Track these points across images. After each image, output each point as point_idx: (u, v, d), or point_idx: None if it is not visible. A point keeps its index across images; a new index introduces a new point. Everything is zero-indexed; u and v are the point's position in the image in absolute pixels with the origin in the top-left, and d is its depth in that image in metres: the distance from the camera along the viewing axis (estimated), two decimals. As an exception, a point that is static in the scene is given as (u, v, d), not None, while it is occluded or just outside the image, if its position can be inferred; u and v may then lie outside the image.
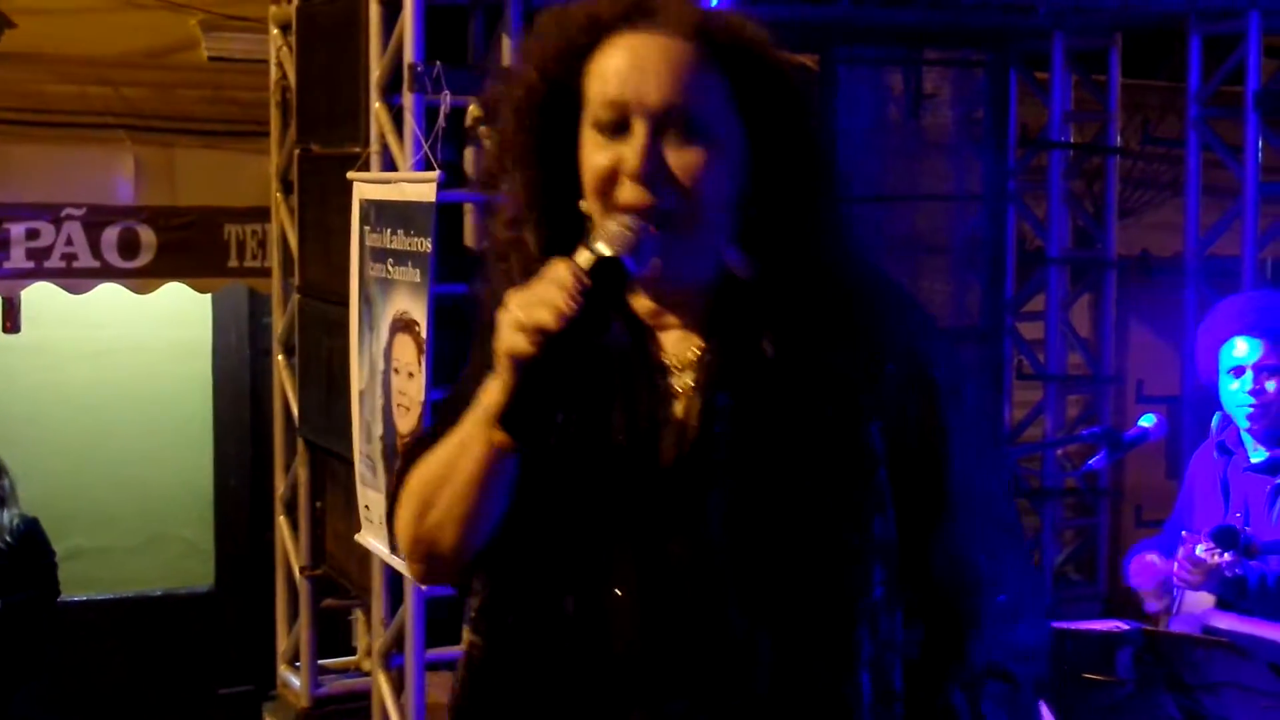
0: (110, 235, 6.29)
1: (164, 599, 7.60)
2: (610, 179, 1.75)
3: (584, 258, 1.69)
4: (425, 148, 4.44)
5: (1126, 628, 3.17)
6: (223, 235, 6.43)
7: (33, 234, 6.23)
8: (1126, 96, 6.56)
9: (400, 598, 4.70)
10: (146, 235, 6.33)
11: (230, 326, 7.52)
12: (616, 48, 1.77)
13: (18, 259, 6.24)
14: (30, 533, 5.66)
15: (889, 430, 1.78)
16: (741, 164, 1.78)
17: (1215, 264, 6.05)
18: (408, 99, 4.48)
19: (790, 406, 1.76)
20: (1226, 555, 3.61)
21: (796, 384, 1.77)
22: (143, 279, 6.41)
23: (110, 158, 6.30)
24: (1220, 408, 4.03)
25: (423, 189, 4.32)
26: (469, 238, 4.76)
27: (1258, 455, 3.92)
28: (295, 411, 5.53)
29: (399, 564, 4.55)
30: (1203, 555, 3.65)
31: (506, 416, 1.66)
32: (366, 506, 4.76)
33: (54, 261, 6.26)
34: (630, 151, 1.73)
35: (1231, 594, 3.70)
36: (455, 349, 4.71)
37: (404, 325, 4.48)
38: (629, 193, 1.73)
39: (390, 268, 4.53)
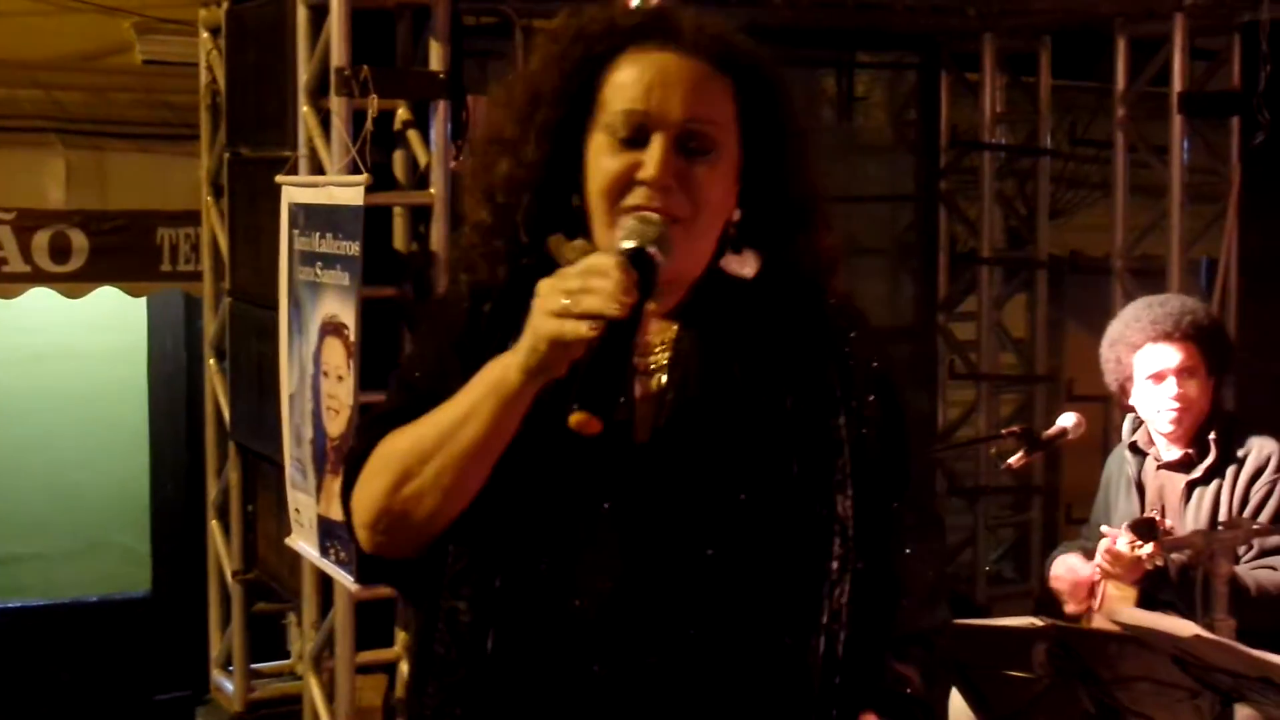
0: (41, 239, 6.25)
1: (100, 605, 7.55)
2: (623, 184, 1.85)
3: (618, 252, 1.78)
4: (353, 151, 4.45)
5: (1040, 623, 3.21)
6: (155, 239, 6.40)
7: (-37, 238, 6.19)
8: (1058, 98, 6.63)
9: (331, 601, 4.71)
10: (78, 239, 6.29)
11: (166, 331, 7.48)
12: (639, 61, 1.88)
13: (-52, 264, 6.20)
14: None
15: (854, 422, 1.92)
16: (739, 172, 1.92)
17: (1142, 264, 6.11)
18: (335, 103, 4.49)
19: (753, 394, 1.89)
20: (1147, 547, 3.66)
21: (761, 375, 1.90)
22: (74, 283, 6.37)
23: (41, 161, 6.25)
24: (1131, 410, 4.08)
25: (351, 192, 4.33)
26: (398, 241, 4.77)
27: (1170, 454, 3.98)
28: (227, 416, 5.52)
29: (329, 567, 4.56)
30: (1123, 548, 3.71)
31: (583, 399, 1.71)
32: (297, 510, 4.76)
33: (-16, 266, 6.23)
34: (650, 161, 1.84)
35: (1152, 585, 3.76)
36: (384, 352, 4.71)
37: (333, 328, 4.48)
38: (641, 197, 1.84)
39: (319, 271, 4.53)
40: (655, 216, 1.83)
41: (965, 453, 6.54)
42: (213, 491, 5.73)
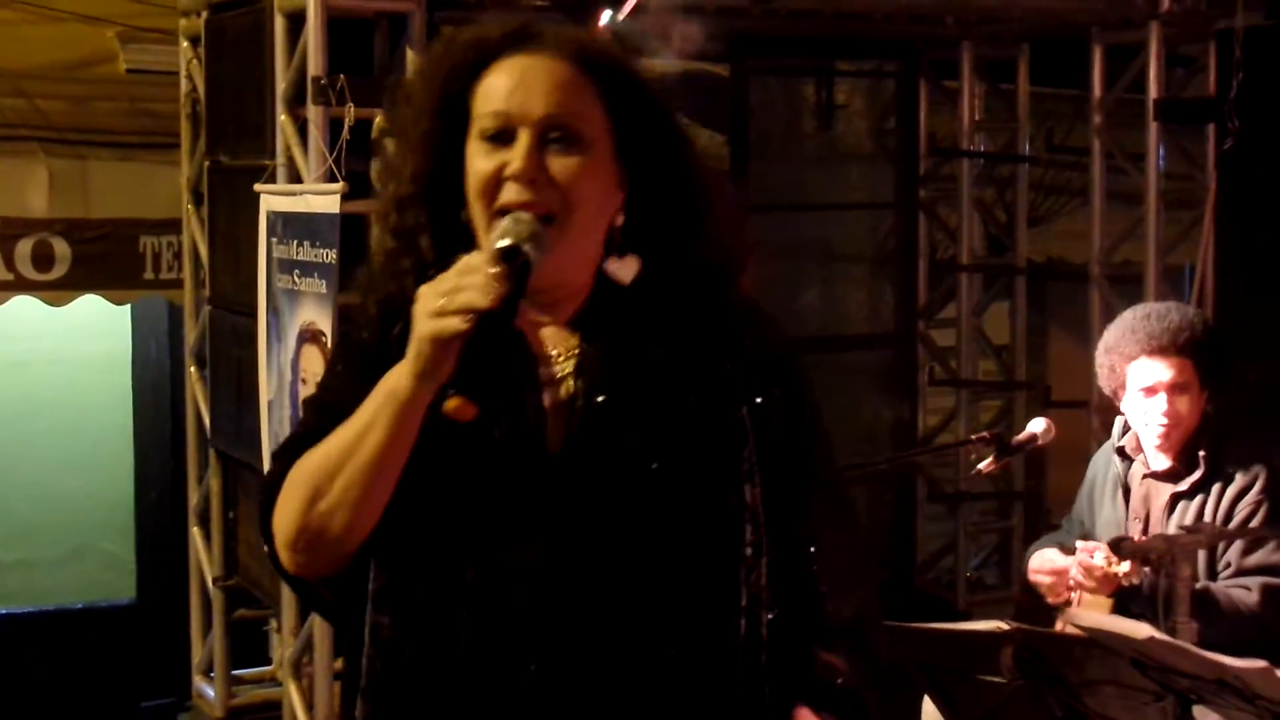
0: (24, 247, 6.27)
1: (85, 612, 7.55)
2: (494, 183, 1.91)
3: (490, 249, 1.84)
4: (329, 160, 4.48)
5: (1007, 627, 3.23)
6: (138, 247, 6.42)
7: (-54, 247, 6.21)
8: (1036, 105, 6.66)
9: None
10: (61, 247, 6.31)
11: (149, 338, 7.50)
12: (503, 67, 1.95)
13: (-69, 272, 6.22)
14: None
15: (757, 413, 1.98)
16: (616, 175, 1.97)
17: (1120, 270, 6.14)
18: (312, 111, 4.51)
19: (659, 393, 1.95)
20: (1125, 565, 3.65)
21: (664, 375, 1.96)
22: (58, 291, 6.39)
23: (23, 170, 6.26)
24: (1122, 414, 4.07)
25: (327, 200, 4.36)
26: (376, 248, 4.79)
27: (1158, 462, 3.97)
28: (207, 423, 5.55)
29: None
30: (1099, 563, 3.69)
31: (456, 385, 1.79)
32: (276, 516, 4.78)
33: (-33, 275, 6.25)
34: (515, 156, 1.90)
35: (1125, 598, 3.77)
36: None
37: (311, 336, 4.51)
38: (512, 193, 1.90)
39: (297, 279, 4.56)
40: (526, 215, 1.88)
41: (945, 459, 6.55)
42: (194, 498, 5.75)
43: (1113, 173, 6.14)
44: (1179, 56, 6.17)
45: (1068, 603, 3.87)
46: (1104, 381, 4.02)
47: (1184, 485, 3.91)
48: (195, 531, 5.73)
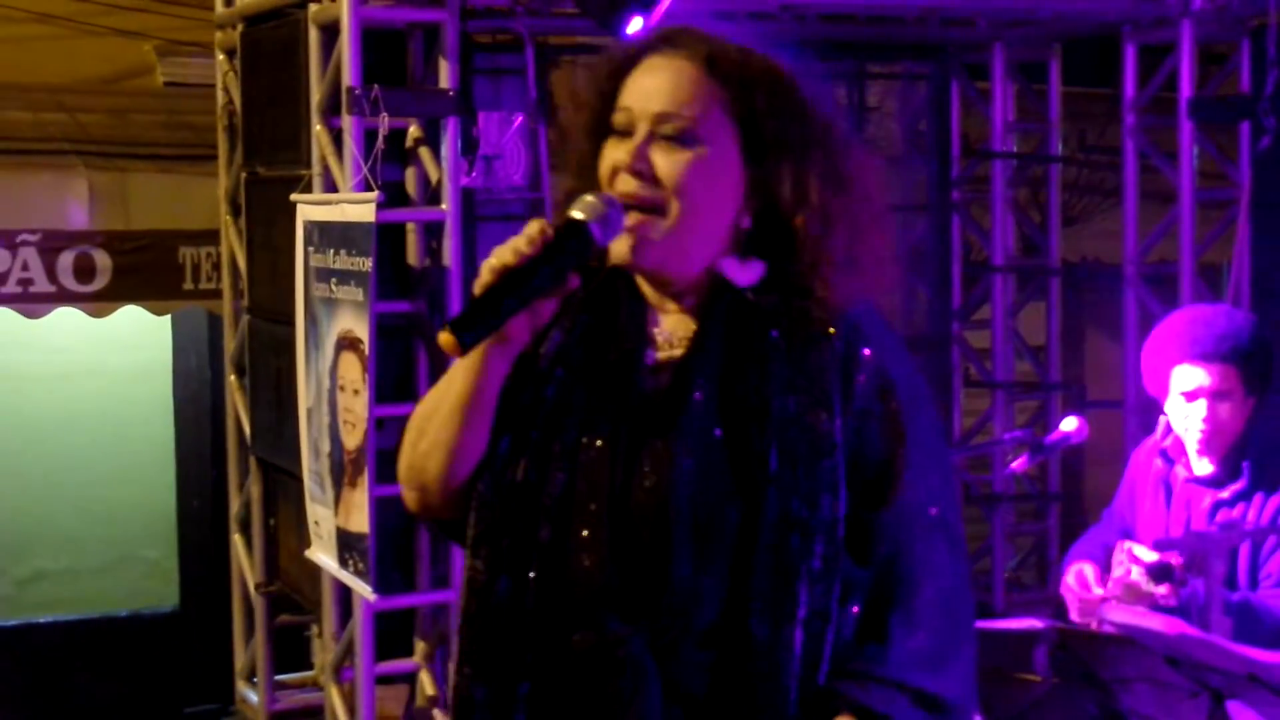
0: (66, 260, 6.34)
1: (129, 619, 7.64)
2: (613, 172, 2.05)
3: (559, 219, 2.01)
4: (364, 169, 4.52)
5: (1042, 625, 3.24)
6: (177, 258, 6.49)
7: (-11, 259, 6.29)
8: (1069, 105, 6.65)
9: (350, 612, 4.77)
10: (102, 259, 6.38)
11: (190, 348, 7.57)
12: (642, 67, 2.09)
13: (-26, 286, 6.30)
14: None
15: (852, 429, 2.01)
16: (739, 178, 2.05)
17: (1156, 270, 6.13)
18: (347, 121, 4.56)
19: (758, 393, 2.00)
20: (1161, 589, 3.62)
21: (767, 374, 2.01)
22: (99, 302, 6.46)
23: (64, 183, 6.35)
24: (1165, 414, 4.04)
25: (363, 209, 4.40)
26: (411, 256, 4.84)
27: (1201, 467, 3.93)
28: (247, 431, 5.60)
29: (348, 578, 4.62)
30: (1137, 580, 3.66)
31: (453, 320, 1.95)
32: (316, 522, 4.83)
33: (10, 287, 6.31)
34: (625, 149, 2.04)
35: (1157, 608, 3.74)
36: (399, 365, 4.79)
37: (349, 343, 4.55)
38: (622, 183, 2.03)
39: (334, 287, 4.61)
40: (602, 195, 2.02)
41: (981, 460, 6.55)
42: (235, 506, 5.81)
43: (1146, 172, 6.11)
44: (1212, 54, 6.15)
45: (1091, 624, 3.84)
46: (1148, 383, 3.99)
47: (1225, 493, 3.88)
48: (237, 539, 5.78)
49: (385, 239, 4.42)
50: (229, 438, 5.87)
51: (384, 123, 4.48)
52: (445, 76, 4.66)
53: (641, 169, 2.01)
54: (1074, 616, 3.85)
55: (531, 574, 2.01)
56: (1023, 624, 3.31)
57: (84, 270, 6.38)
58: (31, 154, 6.40)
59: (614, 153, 2.05)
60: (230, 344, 5.79)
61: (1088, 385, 6.96)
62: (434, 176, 4.74)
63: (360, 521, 4.47)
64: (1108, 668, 3.18)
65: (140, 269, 6.44)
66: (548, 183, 5.09)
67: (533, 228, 1.98)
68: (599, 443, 2.02)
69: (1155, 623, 2.96)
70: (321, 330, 4.70)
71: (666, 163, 2.01)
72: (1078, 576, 3.88)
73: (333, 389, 4.63)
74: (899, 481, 2.02)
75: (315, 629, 5.67)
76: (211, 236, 6.17)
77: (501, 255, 1.96)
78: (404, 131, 4.76)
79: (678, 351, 2.06)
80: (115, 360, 7.55)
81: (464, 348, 1.94)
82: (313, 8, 4.75)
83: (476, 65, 5.20)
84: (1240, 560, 3.77)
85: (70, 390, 7.58)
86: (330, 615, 4.89)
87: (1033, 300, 6.81)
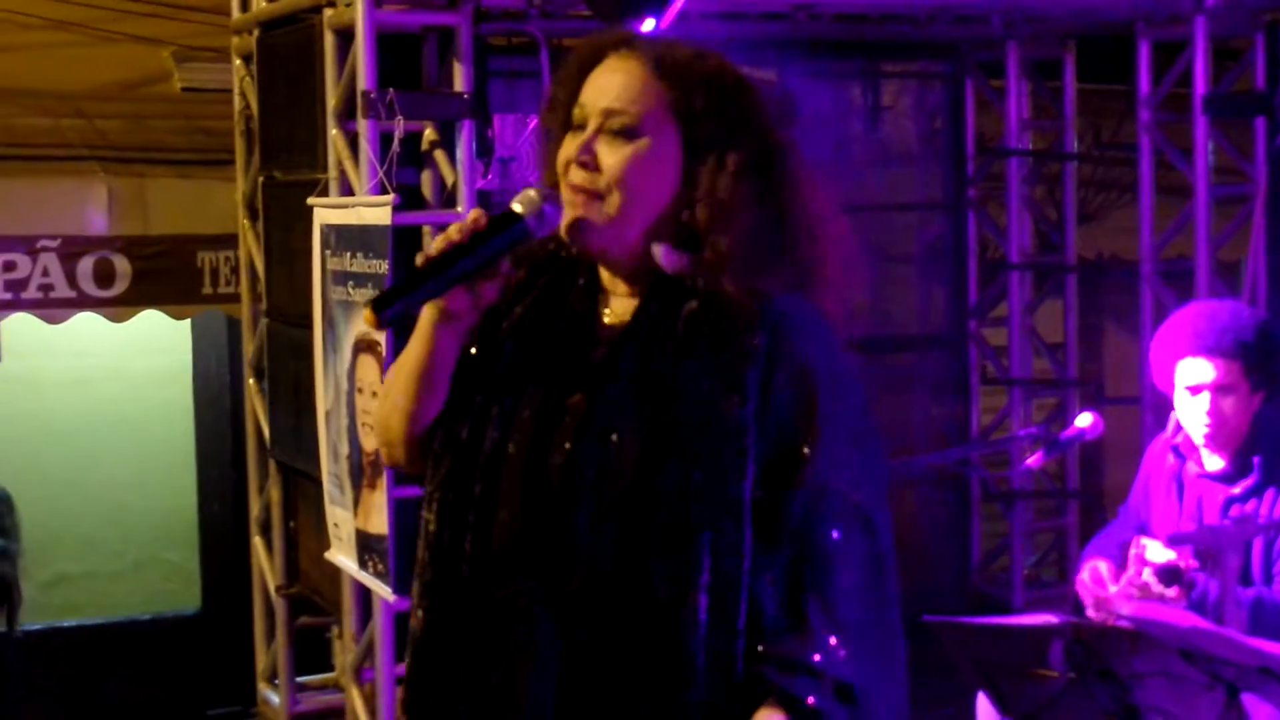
0: (86, 265, 6.38)
1: (151, 622, 7.67)
2: (567, 164, 2.17)
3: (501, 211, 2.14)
4: (380, 172, 4.55)
5: (1057, 621, 3.25)
6: (196, 262, 6.52)
7: (9, 266, 6.32)
8: (1083, 102, 6.65)
9: (371, 613, 4.79)
10: (121, 264, 6.42)
11: (209, 352, 7.61)
12: (599, 68, 2.21)
13: (-5, 291, 6.35)
14: None
15: (767, 415, 2.09)
16: (677, 171, 2.16)
17: (1171, 266, 6.12)
18: (362, 125, 4.58)
19: (673, 374, 2.12)
20: (1171, 591, 3.63)
21: (689, 356, 2.12)
22: (119, 307, 6.50)
23: (84, 189, 6.38)
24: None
25: (379, 212, 4.42)
26: (428, 259, 4.85)
27: (1213, 463, 3.95)
28: (267, 434, 5.62)
29: (367, 579, 4.65)
30: (1147, 580, 3.67)
31: (375, 298, 2.10)
32: (335, 524, 4.86)
33: (31, 292, 6.35)
34: (576, 143, 2.16)
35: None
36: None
37: (366, 346, 4.58)
38: (571, 173, 2.16)
39: (351, 290, 4.63)
40: (540, 189, 2.16)
41: (999, 458, 6.56)
42: (255, 509, 5.84)
43: (1162, 168, 6.11)
44: (1226, 50, 6.15)
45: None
46: (1156, 377, 4.01)
47: (1237, 489, 3.89)
48: (257, 541, 5.81)
49: (401, 242, 4.44)
50: (249, 441, 5.90)
51: (399, 126, 4.50)
52: (460, 80, 4.68)
53: (587, 160, 2.14)
54: (1089, 613, 3.87)
55: (467, 527, 2.16)
56: (1038, 620, 3.32)
57: (104, 275, 6.41)
58: (51, 160, 6.44)
59: (567, 146, 2.18)
60: (249, 348, 5.82)
61: (1105, 382, 6.98)
62: (449, 179, 4.76)
63: (380, 523, 4.50)
64: (1123, 662, 3.19)
65: (159, 273, 6.48)
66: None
67: (469, 217, 2.12)
68: (531, 408, 2.17)
69: (1168, 615, 2.97)
70: (339, 333, 4.72)
71: (610, 155, 2.14)
72: (1092, 573, 3.89)
73: (351, 392, 4.65)
74: (808, 466, 2.09)
75: (336, 630, 5.68)
76: (230, 240, 6.20)
77: (436, 241, 2.11)
78: (419, 135, 4.78)
79: (619, 330, 2.18)
80: (135, 365, 7.59)
81: (382, 322, 2.07)
82: (328, 12, 4.78)
83: (491, 68, 5.22)
84: (1253, 556, 3.78)
85: (91, 395, 7.62)
86: (350, 617, 4.91)
87: (1049, 297, 6.81)
